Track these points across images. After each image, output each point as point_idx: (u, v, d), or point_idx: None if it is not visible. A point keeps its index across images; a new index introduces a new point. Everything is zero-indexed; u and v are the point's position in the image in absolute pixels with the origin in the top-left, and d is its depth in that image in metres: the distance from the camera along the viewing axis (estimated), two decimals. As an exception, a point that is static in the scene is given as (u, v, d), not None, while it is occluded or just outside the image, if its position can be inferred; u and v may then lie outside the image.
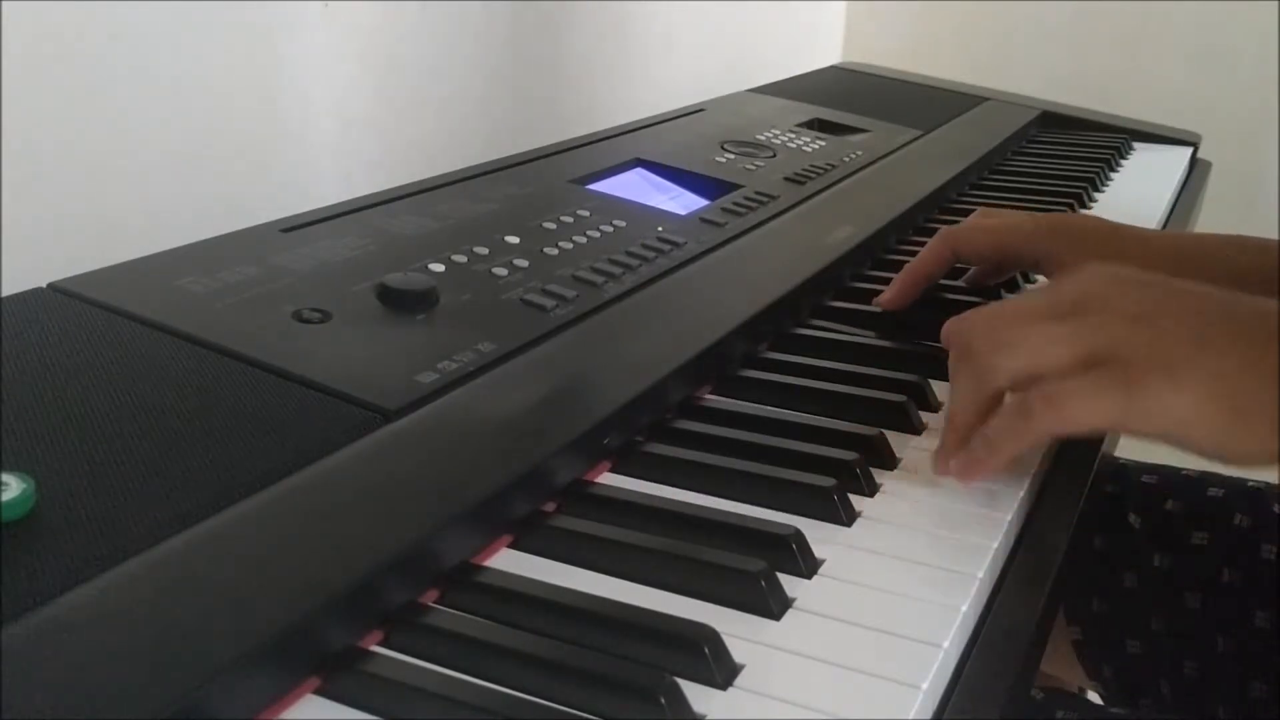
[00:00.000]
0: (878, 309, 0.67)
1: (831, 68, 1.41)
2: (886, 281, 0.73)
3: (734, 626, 0.39)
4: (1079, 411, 0.44)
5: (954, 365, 0.50)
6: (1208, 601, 0.73)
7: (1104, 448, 0.59)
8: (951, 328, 0.51)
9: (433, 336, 0.52)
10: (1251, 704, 0.70)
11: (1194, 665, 0.73)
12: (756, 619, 0.40)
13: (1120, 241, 0.66)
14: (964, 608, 0.41)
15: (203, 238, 0.60)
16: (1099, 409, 0.44)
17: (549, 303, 0.57)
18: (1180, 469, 0.80)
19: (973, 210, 0.70)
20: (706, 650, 0.37)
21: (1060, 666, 0.81)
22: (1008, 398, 0.48)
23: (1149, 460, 0.82)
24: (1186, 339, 0.44)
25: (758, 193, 0.80)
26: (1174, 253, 0.65)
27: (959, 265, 0.70)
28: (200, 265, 0.56)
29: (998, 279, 0.72)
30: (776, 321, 0.64)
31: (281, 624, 0.34)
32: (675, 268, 0.65)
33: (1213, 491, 0.76)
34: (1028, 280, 0.76)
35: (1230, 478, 0.77)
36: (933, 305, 0.68)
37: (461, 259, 0.61)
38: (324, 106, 0.88)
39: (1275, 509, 0.74)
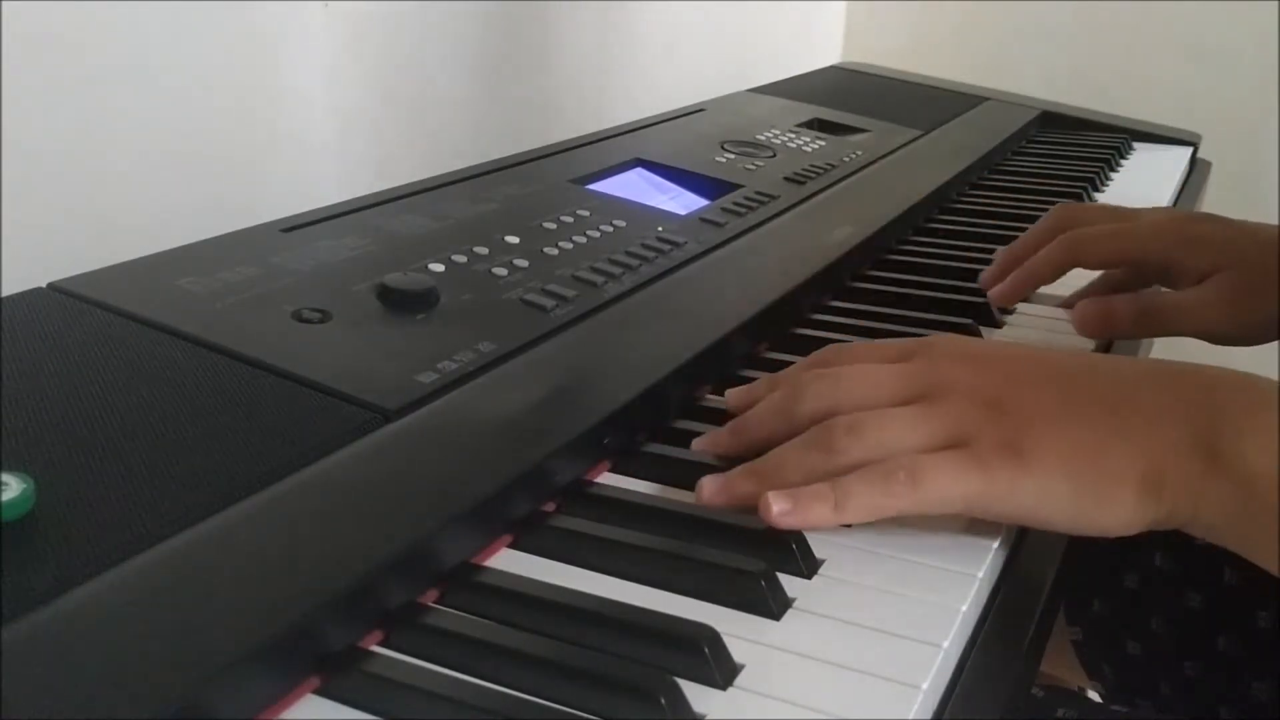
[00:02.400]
0: (981, 292, 0.66)
1: (831, 68, 1.41)
2: (887, 280, 0.73)
3: (734, 626, 0.39)
4: (941, 487, 0.42)
5: (794, 404, 0.48)
6: (1208, 601, 0.73)
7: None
8: (814, 384, 0.48)
9: (433, 336, 0.52)
10: (1253, 704, 0.70)
11: (1194, 665, 0.73)
12: (756, 619, 0.40)
13: (1238, 243, 0.63)
14: (964, 608, 0.41)
15: (203, 238, 0.60)
16: (959, 487, 0.42)
17: (549, 303, 0.57)
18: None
19: (973, 210, 0.69)
20: (706, 650, 0.37)
21: (1060, 666, 0.81)
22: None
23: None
24: (1031, 420, 0.43)
25: (758, 193, 0.80)
26: None
27: None
28: (200, 265, 0.56)
29: (1134, 285, 0.68)
30: (776, 321, 0.64)
31: (281, 624, 0.34)
32: (675, 268, 0.65)
33: (1213, 491, 0.76)
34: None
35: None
36: (936, 306, 0.68)
37: (461, 259, 0.61)
38: (324, 106, 0.88)
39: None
